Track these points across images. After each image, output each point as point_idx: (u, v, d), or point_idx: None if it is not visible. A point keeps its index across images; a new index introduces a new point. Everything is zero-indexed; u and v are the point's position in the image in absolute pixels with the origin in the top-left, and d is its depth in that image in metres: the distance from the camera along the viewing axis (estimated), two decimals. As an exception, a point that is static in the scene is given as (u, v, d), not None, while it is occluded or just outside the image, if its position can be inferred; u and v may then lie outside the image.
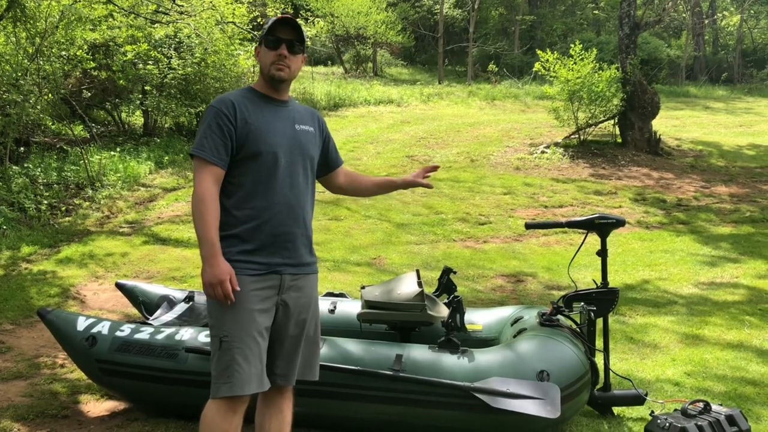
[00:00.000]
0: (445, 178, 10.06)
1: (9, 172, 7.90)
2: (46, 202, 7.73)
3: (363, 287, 3.68)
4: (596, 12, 27.66)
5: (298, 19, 2.69)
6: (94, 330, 3.37)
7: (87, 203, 8.12)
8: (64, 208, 7.85)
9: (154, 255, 6.54)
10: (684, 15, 26.97)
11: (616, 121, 12.18)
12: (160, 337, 3.30)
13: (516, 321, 3.59)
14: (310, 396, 3.10)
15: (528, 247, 7.15)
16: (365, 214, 8.04)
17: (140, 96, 11.10)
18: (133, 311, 4.70)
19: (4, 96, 8.04)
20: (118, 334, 3.35)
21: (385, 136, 13.22)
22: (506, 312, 3.79)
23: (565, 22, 28.79)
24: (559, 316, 3.45)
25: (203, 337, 3.25)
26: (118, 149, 10.02)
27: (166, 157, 10.35)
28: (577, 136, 12.12)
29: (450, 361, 3.10)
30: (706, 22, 27.92)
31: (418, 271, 3.69)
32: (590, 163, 11.14)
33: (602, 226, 3.49)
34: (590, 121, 12.01)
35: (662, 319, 5.02)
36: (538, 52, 12.49)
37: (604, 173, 10.58)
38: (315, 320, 2.63)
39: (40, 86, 8.65)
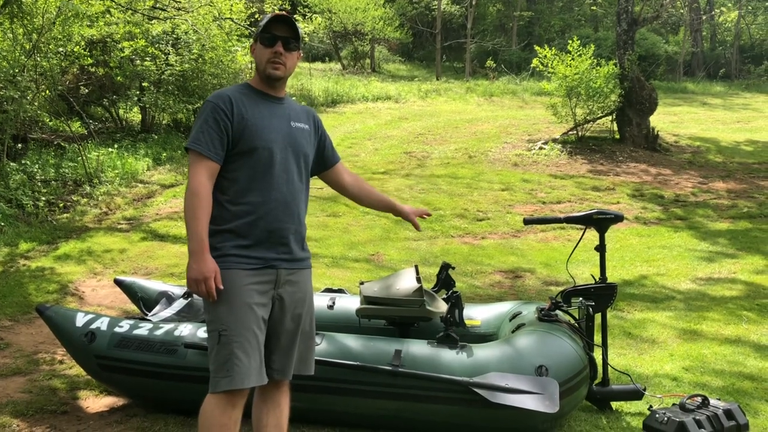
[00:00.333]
0: (443, 174, 10.06)
1: (6, 169, 7.88)
2: (44, 198, 7.72)
3: (362, 283, 3.68)
4: (594, 8, 27.63)
5: (295, 15, 2.70)
6: (93, 326, 3.37)
7: (85, 200, 8.11)
8: (62, 205, 7.84)
9: (153, 251, 6.54)
10: (682, 11, 26.97)
11: (614, 117, 12.18)
12: (159, 333, 3.30)
13: (514, 316, 3.60)
14: (310, 391, 3.11)
15: (526, 243, 7.16)
16: (363, 211, 8.03)
17: (138, 92, 11.08)
18: (132, 307, 4.70)
19: (1, 92, 8.02)
20: (117, 330, 3.35)
21: (383, 132, 13.22)
22: (505, 307, 3.79)
23: (563, 18, 28.77)
24: (558, 312, 3.46)
25: (202, 332, 3.26)
26: (115, 146, 10.00)
27: (164, 154, 10.34)
28: (575, 132, 12.12)
29: (449, 356, 3.11)
30: (704, 18, 27.91)
31: (416, 267, 3.69)
32: (588, 159, 11.14)
33: (601, 222, 3.50)
34: (588, 117, 12.01)
35: (660, 315, 5.03)
36: (536, 48, 12.48)
37: (602, 169, 10.59)
38: (310, 315, 2.65)
39: (37, 82, 8.62)
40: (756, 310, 5.13)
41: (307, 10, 19.25)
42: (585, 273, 5.49)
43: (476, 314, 3.75)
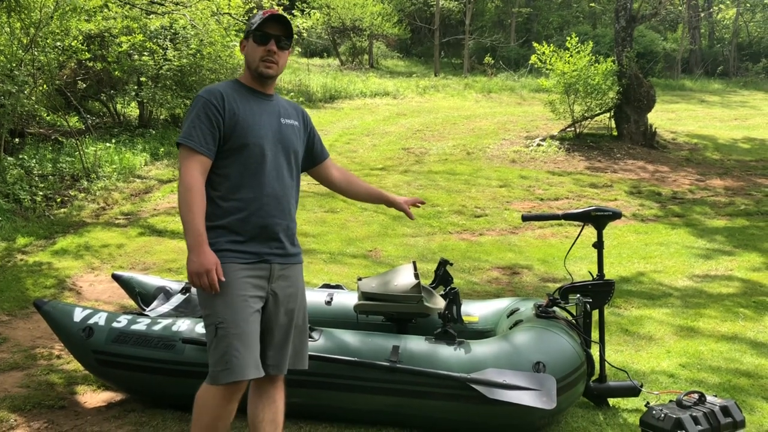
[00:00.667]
0: (441, 170, 10.06)
1: (4, 164, 7.86)
2: (41, 193, 7.71)
3: (360, 279, 3.69)
4: (592, 5, 27.60)
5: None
6: (91, 321, 3.37)
7: (82, 195, 8.10)
8: (59, 200, 7.83)
9: (150, 246, 6.53)
10: (680, 8, 26.96)
11: (612, 114, 12.19)
12: (157, 328, 3.30)
13: (512, 313, 3.61)
14: (308, 387, 3.11)
15: (524, 240, 7.17)
16: (361, 207, 8.03)
17: (135, 87, 11.05)
18: (130, 302, 4.70)
19: (-2, 87, 7.99)
20: (115, 325, 3.35)
21: (381, 128, 13.21)
22: (502, 304, 3.80)
23: (562, 15, 28.75)
24: (555, 308, 3.47)
25: (200, 328, 3.26)
26: (113, 141, 9.98)
27: (162, 149, 10.32)
28: (573, 129, 12.13)
29: (446, 352, 3.12)
30: (702, 15, 27.91)
31: (414, 263, 3.69)
32: (586, 156, 11.15)
33: (599, 219, 3.51)
34: (586, 114, 12.02)
35: (657, 312, 5.04)
36: (535, 44, 12.48)
37: (599, 166, 10.60)
38: (303, 309, 2.66)
39: (34, 77, 8.60)
40: (752, 308, 5.14)
41: (305, 5, 19.20)
42: (582, 270, 5.49)
43: (474, 310, 3.76)
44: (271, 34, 2.53)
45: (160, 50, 10.72)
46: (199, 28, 10.76)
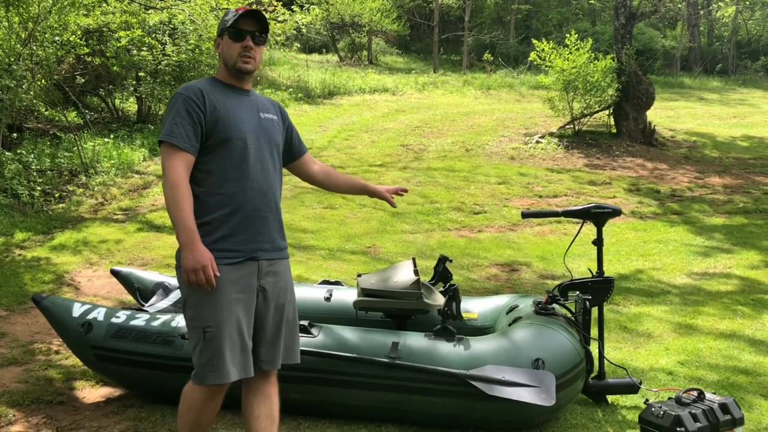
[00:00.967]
0: (439, 167, 10.06)
1: (2, 158, 7.84)
2: (39, 188, 7.69)
3: (359, 275, 3.68)
4: (592, 2, 27.53)
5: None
6: (90, 316, 3.36)
7: (81, 190, 8.08)
8: (57, 195, 7.81)
9: (149, 242, 6.52)
10: (679, 6, 26.94)
11: (611, 111, 12.18)
12: (155, 323, 3.30)
13: (511, 309, 3.61)
14: (308, 383, 3.11)
15: (522, 237, 7.17)
16: (360, 203, 8.03)
17: (134, 82, 11.02)
18: (128, 298, 4.69)
19: (-4, 81, 7.96)
20: (114, 320, 3.34)
21: (380, 124, 13.19)
22: (502, 300, 3.80)
23: (561, 12, 28.72)
24: (555, 305, 3.47)
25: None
26: (111, 136, 9.96)
27: (160, 145, 10.28)
28: (572, 126, 12.12)
29: (446, 348, 3.12)
30: (702, 13, 27.90)
31: (414, 260, 3.69)
32: (585, 153, 11.15)
33: (598, 216, 3.50)
34: (585, 111, 12.01)
35: (656, 309, 5.05)
36: (534, 41, 12.46)
37: (598, 163, 10.60)
38: (292, 304, 2.67)
39: (33, 71, 8.57)
40: (751, 305, 5.15)
41: (304, 1, 19.16)
42: (581, 267, 5.49)
43: (473, 307, 3.76)
44: (246, 30, 2.55)
45: (159, 45, 10.69)
46: (198, 24, 10.73)
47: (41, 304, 3.44)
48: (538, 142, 11.58)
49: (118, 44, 10.21)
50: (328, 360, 3.09)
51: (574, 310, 3.48)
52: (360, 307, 3.50)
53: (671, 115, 15.64)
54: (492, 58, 22.34)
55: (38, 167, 8.29)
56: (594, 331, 3.52)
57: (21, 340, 4.23)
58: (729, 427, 2.92)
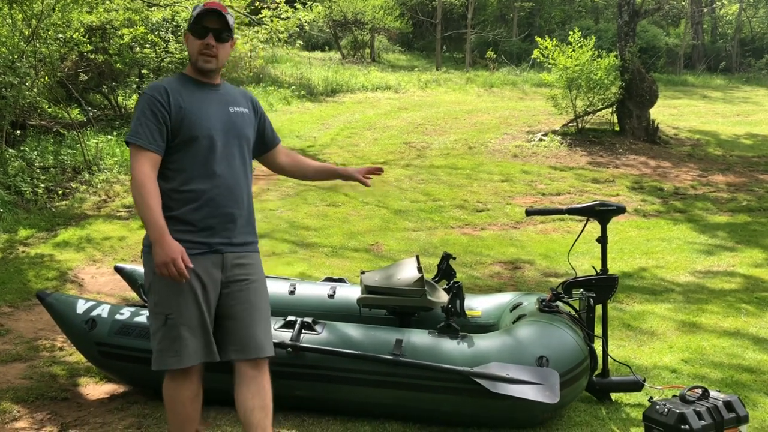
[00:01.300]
0: (442, 165, 10.05)
1: (5, 156, 7.85)
2: (42, 185, 7.70)
3: (363, 272, 3.68)
4: (595, -1, 27.56)
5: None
6: (94, 313, 3.37)
7: (84, 187, 8.09)
8: (60, 192, 7.82)
9: (152, 239, 6.52)
10: (683, 3, 26.88)
11: (614, 109, 12.16)
12: (160, 320, 3.30)
13: (515, 307, 3.60)
14: (311, 380, 3.12)
15: (525, 235, 7.16)
16: (363, 200, 8.03)
17: (137, 80, 11.03)
18: (132, 295, 4.70)
19: (0, 78, 7.97)
20: (118, 317, 3.35)
21: (383, 122, 13.18)
22: (505, 298, 3.80)
23: (564, 9, 28.65)
24: (559, 303, 3.47)
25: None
26: (114, 133, 9.97)
27: (163, 142, 10.29)
28: (575, 123, 12.10)
29: (450, 346, 3.12)
30: (705, 10, 27.82)
31: (417, 257, 3.69)
32: (588, 151, 11.13)
33: (603, 213, 3.50)
34: (588, 109, 11.98)
35: (659, 307, 5.04)
36: (537, 39, 12.44)
37: (601, 161, 10.58)
38: (262, 295, 2.67)
39: (36, 69, 8.58)
40: (754, 303, 5.14)
41: (307, -2, 19.15)
42: (585, 264, 5.49)
43: (477, 305, 3.75)
44: (209, 27, 2.55)
45: (162, 42, 10.70)
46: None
47: (45, 300, 3.45)
48: (541, 139, 11.57)
49: (121, 41, 10.22)
50: (332, 357, 3.09)
51: (577, 308, 3.47)
52: (364, 304, 3.50)
53: (674, 113, 15.61)
54: (495, 56, 22.31)
55: (41, 164, 8.31)
56: (598, 329, 3.52)
57: (25, 337, 4.24)
58: (734, 425, 2.91)
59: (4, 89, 7.91)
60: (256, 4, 12.37)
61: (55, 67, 9.14)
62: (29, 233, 6.52)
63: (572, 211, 3.59)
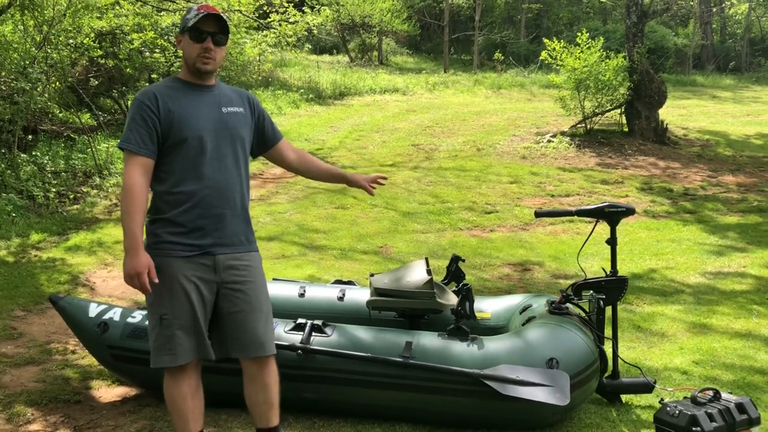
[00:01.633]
0: (451, 167, 10.05)
1: (17, 160, 7.92)
2: (54, 189, 7.76)
3: (372, 275, 3.69)
4: (603, 0, 27.45)
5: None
6: (106, 316, 3.40)
7: (95, 191, 8.14)
8: (72, 196, 7.88)
9: (162, 243, 6.56)
10: (692, 3, 26.77)
11: (623, 110, 12.12)
12: (171, 323, 3.32)
13: (525, 309, 3.61)
14: (321, 382, 3.13)
15: (535, 236, 7.15)
16: (371, 203, 8.04)
17: (147, 84, 11.08)
18: (143, 298, 4.71)
19: (12, 84, 8.05)
20: (130, 320, 3.38)
21: (391, 124, 13.20)
22: (515, 300, 3.80)
23: (572, 11, 28.60)
24: (568, 304, 3.47)
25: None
26: (124, 137, 10.02)
27: (173, 146, 10.34)
28: (583, 125, 12.08)
29: (459, 348, 3.12)
30: (714, 10, 27.69)
31: (427, 259, 3.70)
32: (597, 152, 11.11)
33: (612, 215, 3.50)
34: (597, 110, 11.95)
35: (669, 308, 5.03)
36: (545, 40, 12.42)
37: (610, 162, 10.55)
38: (261, 294, 2.70)
39: (47, 74, 8.65)
40: (766, 305, 5.11)
41: (315, 1, 19.20)
42: (594, 266, 5.48)
43: (486, 307, 3.76)
44: (206, 31, 2.60)
45: (172, 47, 10.76)
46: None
47: (58, 304, 3.48)
48: (549, 141, 11.55)
49: (131, 46, 10.28)
50: (341, 359, 3.10)
51: (587, 310, 3.47)
52: (373, 306, 3.51)
53: (684, 113, 15.54)
54: (503, 58, 22.28)
55: (53, 169, 8.37)
56: (608, 331, 3.51)
57: (38, 340, 4.28)
58: (745, 427, 2.90)
59: (16, 95, 7.98)
60: (265, 8, 12.42)
61: (66, 73, 9.21)
62: (41, 237, 6.57)
63: (581, 213, 3.59)
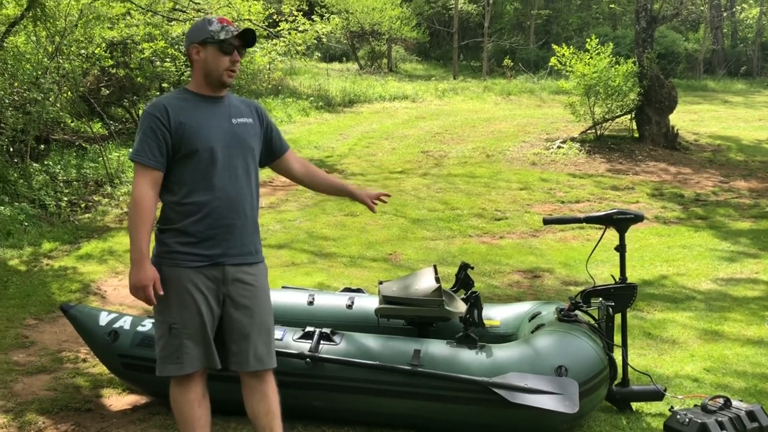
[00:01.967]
0: (460, 173, 10.05)
1: (30, 170, 8.00)
2: (66, 198, 7.83)
3: (380, 282, 3.69)
4: (612, 6, 27.39)
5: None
6: (117, 325, 3.42)
7: (106, 200, 8.21)
8: (83, 205, 7.94)
9: (173, 251, 6.59)
10: (702, 8, 26.65)
11: (633, 115, 12.09)
12: (180, 332, 3.33)
13: (534, 316, 3.59)
14: (329, 390, 3.13)
15: (544, 243, 7.13)
16: (381, 210, 8.05)
17: (158, 93, 11.17)
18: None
19: (24, 94, 8.14)
20: (140, 329, 3.39)
21: (400, 131, 13.22)
22: (524, 307, 3.79)
23: (581, 16, 28.56)
24: (578, 312, 3.45)
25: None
26: (136, 146, 10.10)
27: (184, 154, 10.41)
28: (593, 130, 12.05)
29: (468, 356, 3.12)
30: (725, 14, 27.57)
31: (435, 267, 3.69)
32: (607, 158, 11.07)
33: (621, 222, 3.49)
34: (607, 116, 11.93)
35: (680, 315, 4.99)
36: (554, 46, 12.42)
37: (621, 168, 10.51)
38: (264, 307, 2.71)
39: (59, 84, 8.74)
40: (778, 311, 5.07)
41: (324, 10, 19.29)
42: (604, 273, 5.46)
43: (495, 314, 3.75)
44: (236, 45, 2.64)
45: (182, 56, 10.84)
46: (219, 35, 10.85)
47: (69, 313, 3.50)
48: (559, 147, 11.52)
49: (142, 56, 10.38)
50: (350, 367, 3.10)
51: (597, 317, 3.46)
52: (382, 314, 3.51)
53: (694, 118, 15.46)
54: (512, 64, 22.29)
55: (65, 178, 8.45)
56: (617, 338, 3.50)
57: (49, 349, 4.31)
58: (756, 435, 2.88)
59: (28, 105, 8.07)
60: (275, 17, 12.50)
61: (77, 82, 9.30)
62: (53, 246, 6.62)
63: (590, 220, 3.58)
